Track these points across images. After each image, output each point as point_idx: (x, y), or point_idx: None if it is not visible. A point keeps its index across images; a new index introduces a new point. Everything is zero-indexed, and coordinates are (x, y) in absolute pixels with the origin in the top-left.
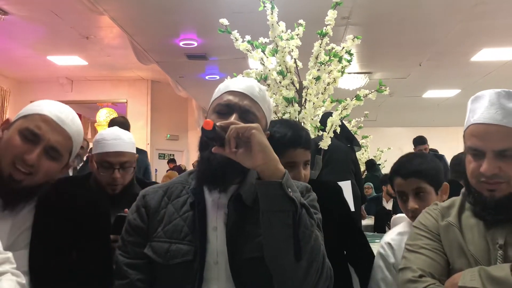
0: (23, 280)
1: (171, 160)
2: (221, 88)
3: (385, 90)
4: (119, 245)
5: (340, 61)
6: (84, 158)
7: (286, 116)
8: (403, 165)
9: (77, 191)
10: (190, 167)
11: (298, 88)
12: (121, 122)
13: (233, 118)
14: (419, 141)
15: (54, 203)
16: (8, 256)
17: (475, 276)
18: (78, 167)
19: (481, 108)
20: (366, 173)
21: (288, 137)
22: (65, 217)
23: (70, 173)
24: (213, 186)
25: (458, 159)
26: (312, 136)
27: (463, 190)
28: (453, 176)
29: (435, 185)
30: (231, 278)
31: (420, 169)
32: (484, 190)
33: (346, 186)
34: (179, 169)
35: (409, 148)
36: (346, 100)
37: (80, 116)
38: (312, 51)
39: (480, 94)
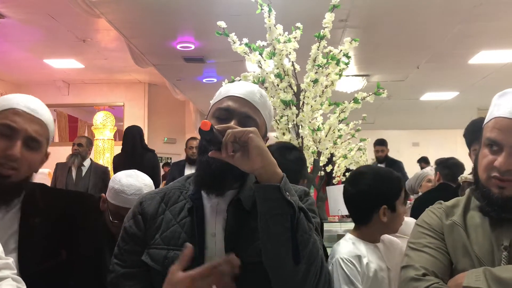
0: (24, 286)
1: (166, 164)
2: (222, 92)
3: (383, 92)
4: (115, 252)
5: (337, 63)
6: (88, 159)
7: (284, 119)
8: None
9: (62, 191)
10: None
11: (295, 91)
12: None
13: (232, 124)
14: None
15: (39, 204)
16: (8, 261)
17: (480, 277)
18: (80, 168)
19: (508, 103)
20: None
21: None
22: (51, 217)
23: (73, 174)
24: (211, 190)
25: (446, 163)
26: (310, 139)
27: (468, 190)
28: (444, 179)
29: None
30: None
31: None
32: (493, 186)
33: (338, 191)
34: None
35: (407, 151)
36: (344, 103)
37: (77, 119)
38: (310, 54)
39: (508, 91)
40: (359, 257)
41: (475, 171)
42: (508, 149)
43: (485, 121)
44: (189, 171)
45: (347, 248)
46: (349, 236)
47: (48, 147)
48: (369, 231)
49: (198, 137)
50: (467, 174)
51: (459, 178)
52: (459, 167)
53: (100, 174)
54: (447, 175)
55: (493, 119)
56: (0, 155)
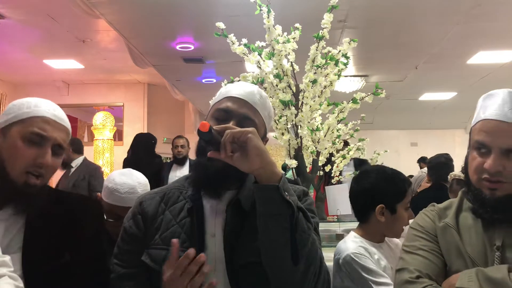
0: (21, 283)
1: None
2: (222, 92)
3: (382, 93)
4: (115, 252)
5: (336, 64)
6: (78, 158)
7: (283, 119)
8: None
9: (68, 193)
10: None
11: (294, 91)
12: None
13: (230, 125)
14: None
15: (45, 205)
16: (5, 259)
17: (472, 278)
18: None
19: (494, 105)
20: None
21: None
22: (56, 218)
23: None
24: (208, 192)
25: (430, 163)
26: (309, 139)
27: (460, 192)
28: (431, 178)
29: None
30: (229, 283)
31: None
32: (484, 188)
33: (343, 189)
34: None
35: (406, 151)
36: (342, 103)
37: (76, 119)
38: (309, 54)
39: (493, 92)
40: (369, 252)
41: (466, 173)
42: (496, 151)
43: (472, 123)
44: (173, 172)
45: (355, 244)
46: (353, 234)
47: None
48: (370, 230)
49: (195, 137)
50: (458, 171)
51: (449, 175)
52: (443, 165)
53: (86, 173)
54: (432, 175)
55: (480, 121)
56: (31, 163)
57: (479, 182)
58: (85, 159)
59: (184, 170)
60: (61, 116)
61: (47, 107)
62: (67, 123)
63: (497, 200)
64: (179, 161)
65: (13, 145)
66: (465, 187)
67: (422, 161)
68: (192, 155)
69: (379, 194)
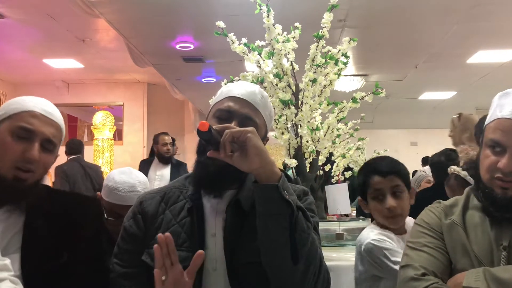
0: (22, 287)
1: None
2: (223, 92)
3: (382, 92)
4: (115, 252)
5: (336, 63)
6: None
7: (283, 119)
8: (380, 164)
9: (67, 193)
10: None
11: (294, 90)
12: None
13: (232, 124)
14: None
15: (44, 205)
16: (6, 263)
17: (479, 277)
18: None
19: (511, 104)
20: None
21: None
22: (55, 219)
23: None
24: (208, 191)
25: (431, 162)
26: (309, 139)
27: (466, 189)
28: (434, 178)
29: (407, 186)
30: (229, 283)
31: (398, 168)
32: (496, 187)
33: (342, 189)
34: None
35: (406, 150)
36: (342, 102)
37: (76, 119)
38: (309, 53)
39: (510, 91)
40: (390, 240)
41: (476, 171)
42: (511, 150)
43: (487, 121)
44: (153, 171)
45: (374, 232)
46: (372, 225)
47: (59, 149)
48: (378, 222)
49: (195, 136)
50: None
51: (448, 169)
52: (443, 164)
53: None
54: (433, 174)
55: (496, 120)
56: (19, 158)
57: (491, 181)
58: (69, 161)
59: (166, 170)
60: (51, 111)
61: (36, 102)
62: (57, 118)
63: (510, 200)
64: (165, 159)
65: (2, 141)
66: (474, 184)
67: (424, 161)
68: (178, 156)
69: (357, 187)
